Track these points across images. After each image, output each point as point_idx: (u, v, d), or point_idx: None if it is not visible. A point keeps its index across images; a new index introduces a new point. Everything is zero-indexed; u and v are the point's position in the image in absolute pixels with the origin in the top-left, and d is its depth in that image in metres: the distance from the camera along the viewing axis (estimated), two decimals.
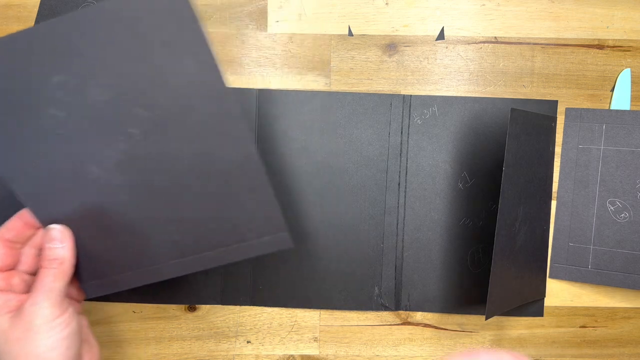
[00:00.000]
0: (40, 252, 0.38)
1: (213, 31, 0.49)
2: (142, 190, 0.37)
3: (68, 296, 0.39)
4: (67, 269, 0.37)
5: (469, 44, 0.49)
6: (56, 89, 0.33)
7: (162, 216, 0.37)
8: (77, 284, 0.40)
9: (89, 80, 0.33)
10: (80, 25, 0.32)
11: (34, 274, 0.39)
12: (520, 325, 0.50)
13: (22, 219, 0.38)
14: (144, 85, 0.33)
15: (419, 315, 0.50)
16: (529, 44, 0.49)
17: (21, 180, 0.36)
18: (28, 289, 0.38)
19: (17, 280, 0.38)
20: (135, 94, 0.34)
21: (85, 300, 0.41)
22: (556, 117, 0.49)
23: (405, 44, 0.49)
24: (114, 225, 0.38)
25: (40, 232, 0.38)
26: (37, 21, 0.48)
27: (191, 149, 0.35)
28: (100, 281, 0.40)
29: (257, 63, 0.49)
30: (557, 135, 0.49)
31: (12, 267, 0.38)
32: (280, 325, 0.50)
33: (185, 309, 0.49)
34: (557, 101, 0.49)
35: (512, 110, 0.42)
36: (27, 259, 0.39)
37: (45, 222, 0.37)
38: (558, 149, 0.49)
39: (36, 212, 0.37)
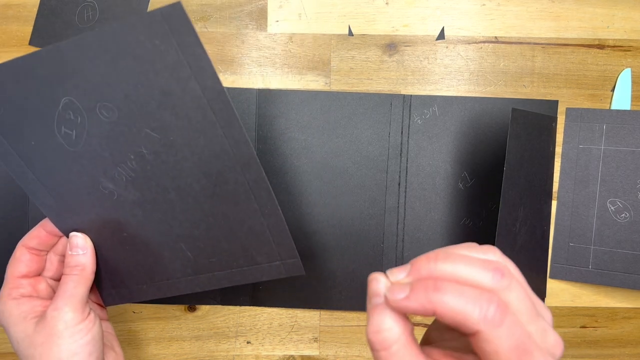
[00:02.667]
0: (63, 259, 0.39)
1: (213, 31, 0.49)
2: (155, 206, 0.37)
3: (94, 302, 0.41)
4: (88, 275, 0.38)
5: (469, 43, 0.49)
6: (66, 110, 0.35)
7: (174, 233, 0.38)
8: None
9: (96, 102, 0.34)
10: (85, 49, 0.33)
11: (59, 279, 0.40)
12: None
13: (44, 228, 0.39)
14: (151, 108, 0.34)
15: (419, 316, 0.50)
16: (529, 43, 0.49)
17: (41, 194, 0.38)
18: (53, 294, 0.39)
19: (43, 285, 0.39)
20: (143, 116, 0.34)
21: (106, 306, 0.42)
22: (556, 117, 0.49)
23: (406, 44, 0.49)
24: (129, 238, 0.39)
25: (63, 239, 0.40)
26: (36, 21, 0.48)
27: (201, 170, 0.36)
28: (118, 291, 0.41)
29: (257, 63, 0.49)
30: (557, 135, 0.49)
31: (37, 274, 0.39)
32: (280, 325, 0.50)
33: (185, 309, 0.49)
34: (557, 101, 0.49)
35: (513, 110, 0.42)
36: (51, 266, 0.40)
37: (66, 231, 0.39)
38: (558, 149, 0.49)
39: (57, 223, 0.39)
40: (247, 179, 0.36)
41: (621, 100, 0.49)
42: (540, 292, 0.50)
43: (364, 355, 0.50)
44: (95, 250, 0.39)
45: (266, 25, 0.49)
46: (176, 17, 0.30)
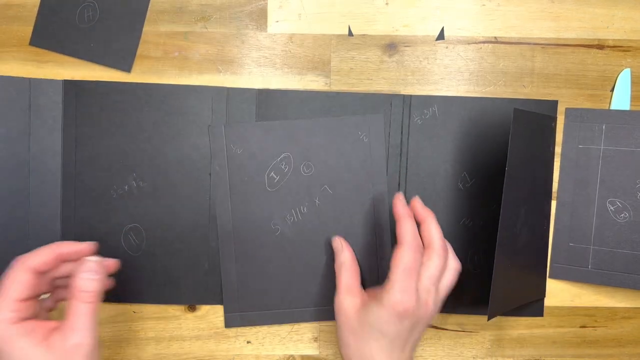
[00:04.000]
0: (68, 282, 0.39)
1: (213, 31, 0.49)
2: (304, 247, 0.48)
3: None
4: (98, 300, 0.38)
5: (469, 44, 0.49)
6: (281, 161, 0.47)
7: (309, 270, 0.48)
8: None
9: (303, 160, 0.47)
10: (312, 128, 0.47)
11: (57, 301, 0.41)
12: (520, 325, 0.50)
13: (54, 251, 0.38)
14: (336, 172, 0.47)
15: None
16: (529, 44, 0.49)
17: (225, 217, 0.47)
18: (50, 315, 0.40)
19: (38, 306, 0.39)
20: (328, 175, 0.47)
21: None
22: (556, 117, 0.49)
23: (405, 44, 0.49)
24: (274, 269, 0.48)
25: (66, 264, 0.40)
26: (37, 21, 0.48)
27: (345, 225, 0.48)
28: (243, 315, 0.48)
29: (257, 63, 0.49)
30: (557, 135, 0.49)
31: (37, 296, 0.39)
32: (280, 325, 0.50)
33: (185, 309, 0.49)
34: (557, 101, 0.49)
35: (515, 110, 0.42)
36: (49, 287, 0.40)
37: (226, 256, 0.47)
38: (558, 149, 0.49)
39: (222, 247, 0.47)
40: (376, 243, 0.48)
41: (621, 100, 0.49)
42: (540, 292, 0.50)
43: None
44: (241, 276, 0.47)
45: (266, 26, 0.49)
46: (375, 121, 0.47)
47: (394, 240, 0.47)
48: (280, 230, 0.48)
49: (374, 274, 0.48)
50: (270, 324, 0.49)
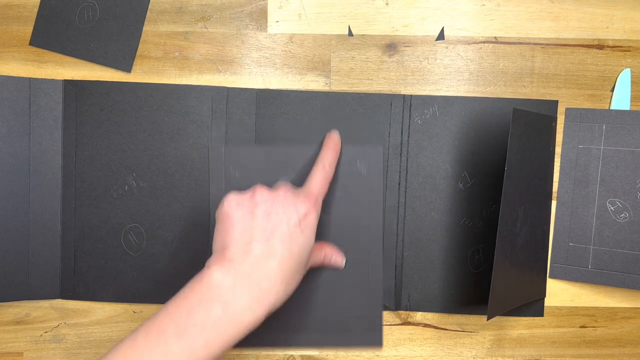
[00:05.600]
0: None
1: (213, 31, 0.49)
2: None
3: None
4: None
5: (469, 44, 0.49)
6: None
7: (301, 295, 0.45)
8: None
9: (298, 186, 0.44)
10: (300, 154, 0.46)
11: None
12: (520, 325, 0.50)
13: None
14: (332, 201, 0.46)
15: (419, 315, 0.50)
16: (529, 44, 0.49)
17: None
18: None
19: None
20: (324, 203, 0.43)
21: None
22: (556, 117, 0.49)
23: (405, 44, 0.49)
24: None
25: None
26: (37, 21, 0.48)
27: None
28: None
29: (257, 63, 0.49)
30: (557, 135, 0.49)
31: None
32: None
33: None
34: (557, 101, 0.49)
35: (515, 110, 0.42)
36: None
37: None
38: (558, 149, 0.49)
39: None
40: (367, 267, 0.47)
41: (621, 100, 0.49)
42: (540, 292, 0.50)
43: (363, 355, 0.50)
44: None
45: (266, 26, 0.49)
46: (374, 152, 0.46)
47: (385, 273, 0.48)
48: None
49: (364, 305, 0.47)
50: (266, 345, 0.47)
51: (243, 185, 0.45)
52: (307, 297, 0.47)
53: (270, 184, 0.43)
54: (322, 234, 0.45)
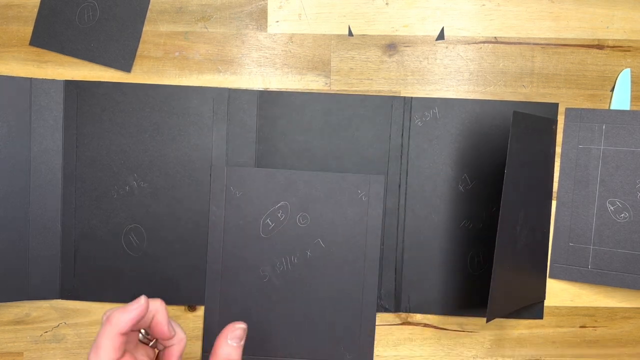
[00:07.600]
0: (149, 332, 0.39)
1: (213, 31, 0.49)
2: (289, 296, 0.48)
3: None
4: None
5: (469, 44, 0.49)
6: (279, 209, 0.48)
7: (292, 320, 0.48)
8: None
9: (299, 210, 0.48)
10: (312, 180, 0.48)
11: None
12: (520, 326, 0.50)
13: (143, 311, 0.36)
14: (331, 227, 0.48)
15: (419, 315, 0.50)
16: (529, 44, 0.49)
17: (215, 259, 0.48)
18: None
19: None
20: (323, 229, 0.48)
21: None
22: (557, 120, 0.49)
23: (405, 44, 0.49)
24: (257, 315, 0.48)
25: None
26: (37, 21, 0.48)
27: (333, 281, 0.48)
28: None
29: (257, 63, 0.49)
30: (557, 135, 0.49)
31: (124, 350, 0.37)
32: None
33: (185, 309, 0.49)
34: (557, 104, 0.49)
35: (515, 112, 0.42)
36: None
37: (216, 297, 0.48)
38: (558, 149, 0.49)
39: (210, 287, 0.48)
40: (360, 295, 0.48)
41: (621, 100, 0.49)
42: (540, 295, 0.50)
43: None
44: (224, 316, 0.48)
45: (266, 26, 0.49)
46: (375, 181, 0.48)
47: (379, 301, 0.49)
48: (269, 277, 0.48)
49: (356, 333, 0.48)
50: None
51: (243, 206, 0.48)
52: (298, 323, 0.48)
53: (270, 205, 0.47)
54: (318, 258, 0.48)
